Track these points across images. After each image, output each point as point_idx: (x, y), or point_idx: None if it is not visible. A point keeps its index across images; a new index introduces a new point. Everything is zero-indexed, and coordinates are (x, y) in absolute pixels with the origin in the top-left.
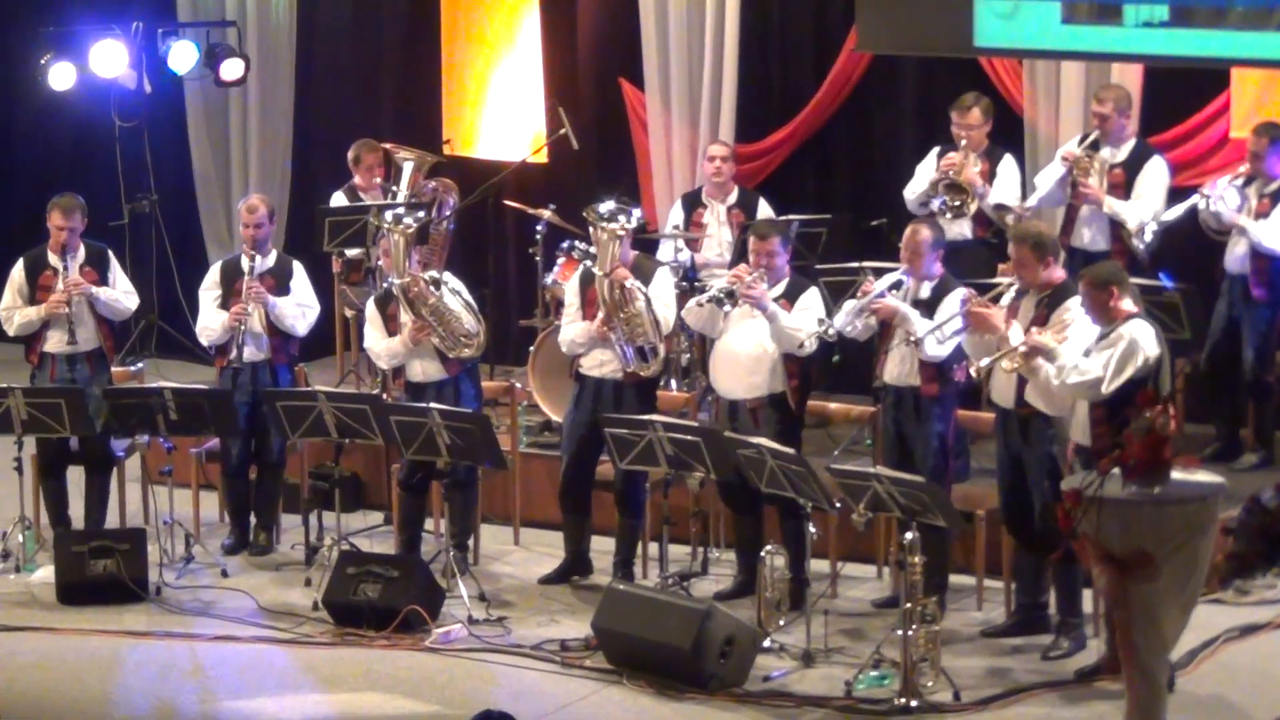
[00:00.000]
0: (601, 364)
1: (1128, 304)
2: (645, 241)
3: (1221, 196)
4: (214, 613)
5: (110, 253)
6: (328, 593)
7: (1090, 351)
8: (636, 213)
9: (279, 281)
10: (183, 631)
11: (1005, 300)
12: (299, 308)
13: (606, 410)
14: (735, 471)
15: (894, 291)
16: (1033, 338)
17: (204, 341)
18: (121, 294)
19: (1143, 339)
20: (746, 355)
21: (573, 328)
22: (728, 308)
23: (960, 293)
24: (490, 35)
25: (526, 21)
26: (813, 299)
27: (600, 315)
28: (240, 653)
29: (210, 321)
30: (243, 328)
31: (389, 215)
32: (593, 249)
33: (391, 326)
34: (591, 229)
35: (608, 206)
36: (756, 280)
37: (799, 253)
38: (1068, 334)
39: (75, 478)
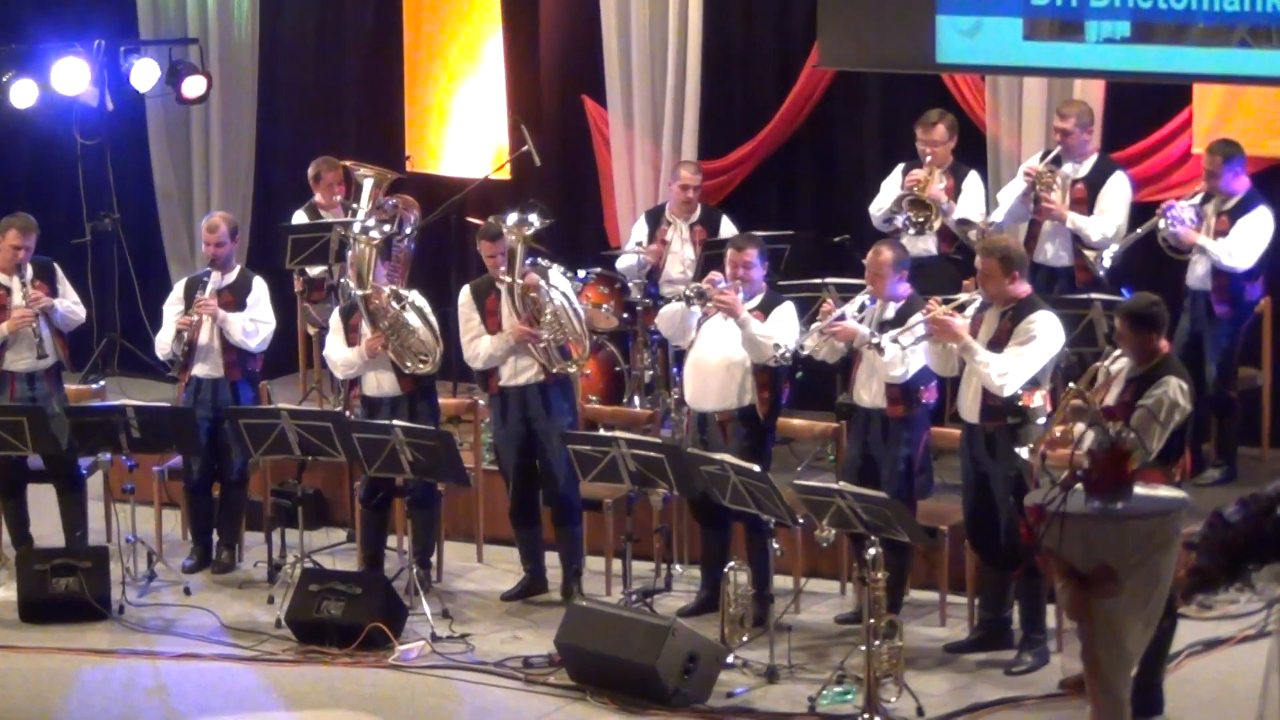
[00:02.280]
0: (518, 373)
1: (1164, 343)
2: (608, 258)
3: (1180, 217)
4: (177, 631)
5: (55, 265)
6: (291, 610)
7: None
8: (532, 217)
9: (236, 297)
10: (145, 650)
11: (969, 312)
12: (253, 323)
13: (536, 416)
14: (699, 488)
15: (858, 314)
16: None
17: (159, 355)
18: (72, 304)
19: (1181, 399)
20: (717, 365)
21: (485, 341)
22: (696, 308)
23: (929, 301)
24: (453, 52)
25: (489, 38)
26: (787, 313)
27: (522, 319)
28: (203, 671)
29: (165, 335)
30: (185, 337)
31: (356, 226)
32: (552, 266)
33: (352, 337)
34: (501, 239)
35: (513, 217)
36: (731, 288)
37: None
38: (1028, 349)
39: (37, 495)
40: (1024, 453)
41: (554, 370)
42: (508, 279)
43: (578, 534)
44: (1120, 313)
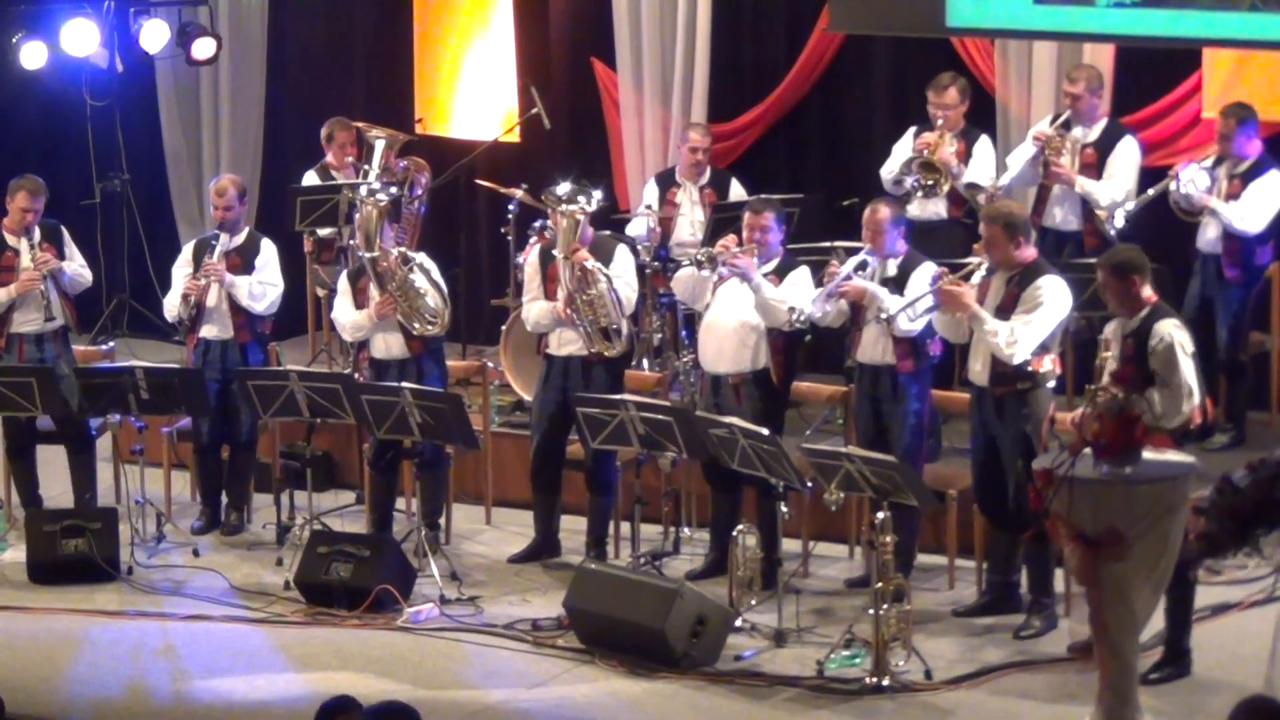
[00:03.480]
0: (565, 343)
1: (1148, 291)
2: (618, 221)
3: (1191, 179)
4: (185, 592)
5: (62, 227)
6: (299, 572)
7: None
8: (596, 194)
9: (244, 260)
10: (154, 611)
11: (975, 279)
12: (260, 286)
13: (575, 389)
14: (707, 451)
15: (860, 272)
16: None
17: (168, 317)
18: (80, 267)
19: (1184, 340)
20: (732, 328)
21: (536, 307)
22: (706, 272)
23: (930, 269)
24: (463, 14)
25: (499, 1)
26: (802, 277)
27: (562, 297)
28: (212, 632)
29: (173, 297)
30: (192, 300)
31: (363, 188)
32: (620, 247)
33: (360, 300)
34: (550, 212)
35: (565, 189)
36: (745, 252)
37: None
38: (1036, 315)
39: (48, 457)
40: None
41: (592, 349)
42: (558, 254)
43: (604, 505)
44: (1100, 265)
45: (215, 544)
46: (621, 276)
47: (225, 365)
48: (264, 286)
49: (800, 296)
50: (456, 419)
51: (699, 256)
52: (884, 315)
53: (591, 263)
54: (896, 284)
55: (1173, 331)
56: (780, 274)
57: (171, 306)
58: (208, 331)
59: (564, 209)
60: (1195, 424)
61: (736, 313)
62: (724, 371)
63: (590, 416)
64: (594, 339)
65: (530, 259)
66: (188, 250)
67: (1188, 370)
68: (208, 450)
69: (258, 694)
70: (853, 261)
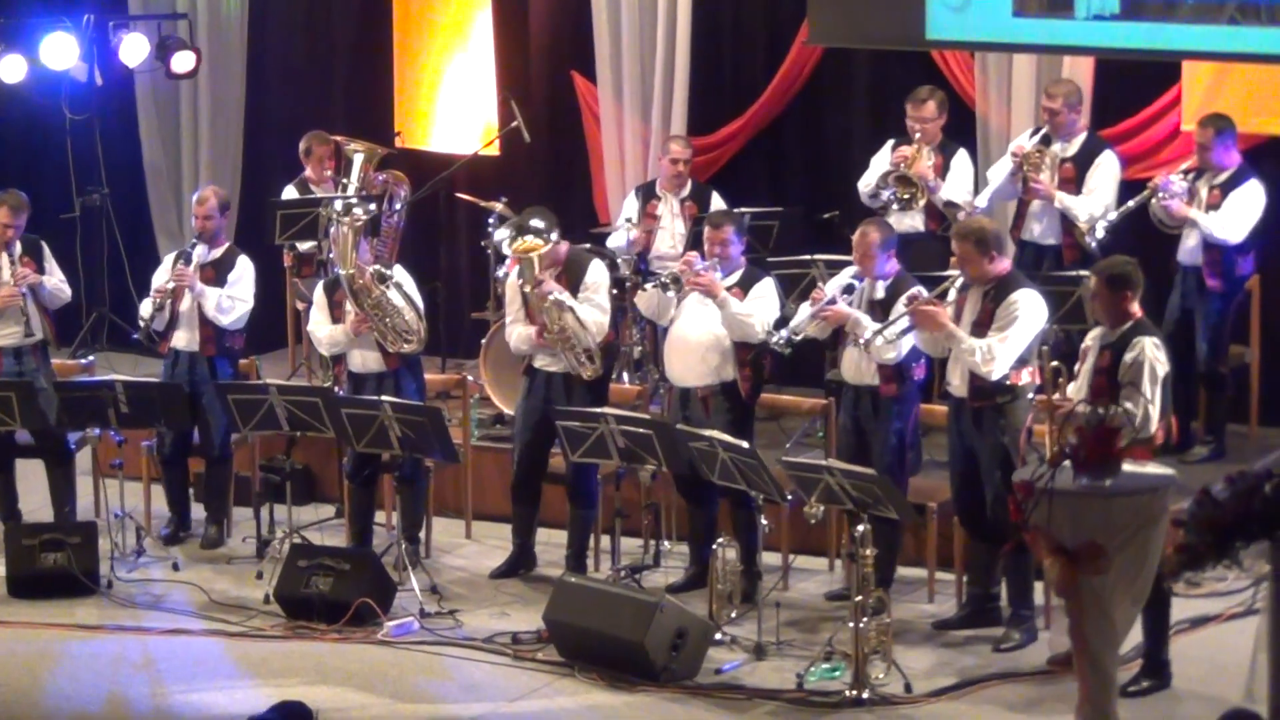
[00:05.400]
0: (549, 361)
1: (1136, 306)
2: (598, 235)
3: (1171, 189)
4: (165, 606)
5: (43, 242)
6: (279, 586)
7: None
8: (544, 225)
9: (218, 273)
10: (134, 625)
11: (951, 295)
12: (230, 300)
13: (558, 402)
14: (687, 464)
15: (847, 295)
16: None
17: (140, 322)
18: (59, 282)
19: (1160, 361)
20: (697, 342)
21: (518, 331)
22: (672, 293)
23: (910, 292)
24: (442, 27)
25: (478, 13)
26: (767, 289)
27: (535, 328)
28: (191, 646)
29: (147, 306)
30: (159, 303)
31: (338, 205)
32: (600, 288)
33: (336, 313)
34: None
35: (537, 223)
36: (708, 269)
37: (751, 245)
38: (1012, 330)
39: (27, 471)
40: None
41: (573, 371)
42: (524, 290)
43: (585, 518)
44: (1095, 272)
45: (194, 558)
46: (592, 299)
47: (194, 379)
48: (233, 301)
49: (766, 309)
50: (436, 432)
51: (663, 279)
52: (861, 341)
53: (554, 296)
54: (884, 306)
55: (1149, 349)
56: (744, 286)
57: (144, 313)
58: (178, 341)
59: (513, 249)
60: (1157, 444)
61: (702, 326)
62: (692, 385)
63: (570, 430)
64: (571, 364)
65: (511, 279)
66: (168, 261)
67: (1150, 393)
68: (170, 459)
69: (237, 708)
70: (839, 283)
